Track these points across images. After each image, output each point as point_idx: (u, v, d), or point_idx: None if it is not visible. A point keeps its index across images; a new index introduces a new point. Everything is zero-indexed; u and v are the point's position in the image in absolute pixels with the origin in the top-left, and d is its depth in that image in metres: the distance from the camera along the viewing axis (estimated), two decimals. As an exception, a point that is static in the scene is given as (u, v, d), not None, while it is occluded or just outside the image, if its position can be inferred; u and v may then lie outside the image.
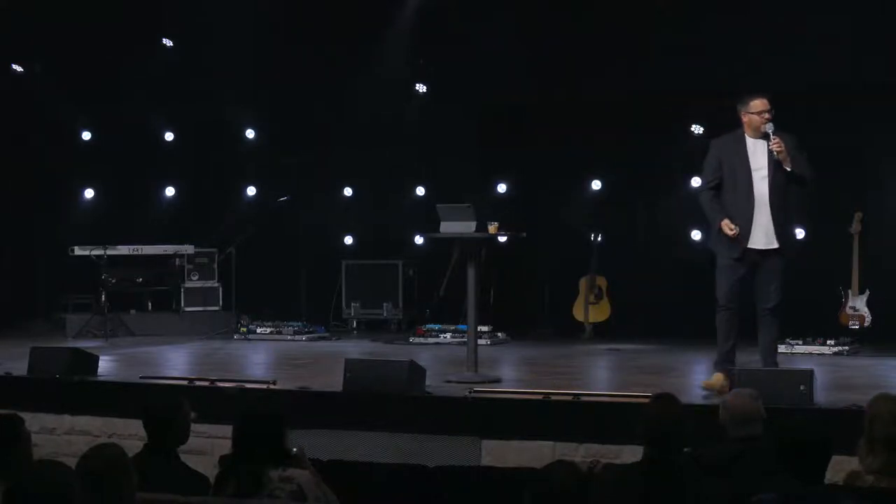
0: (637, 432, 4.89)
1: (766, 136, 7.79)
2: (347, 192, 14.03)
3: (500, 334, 11.96)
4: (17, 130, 13.34)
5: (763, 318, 7.95)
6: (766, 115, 7.81)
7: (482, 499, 5.67)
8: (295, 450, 5.18)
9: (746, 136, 7.91)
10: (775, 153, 7.71)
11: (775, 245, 7.78)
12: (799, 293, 11.16)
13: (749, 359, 9.69)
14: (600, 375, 10.09)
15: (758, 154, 7.83)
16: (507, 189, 13.25)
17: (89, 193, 14.24)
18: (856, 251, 11.16)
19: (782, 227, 7.81)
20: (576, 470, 4.25)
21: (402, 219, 13.44)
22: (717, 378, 7.96)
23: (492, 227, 8.48)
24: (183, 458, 5.39)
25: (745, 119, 7.92)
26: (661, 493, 4.63)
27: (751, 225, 7.78)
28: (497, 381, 8.61)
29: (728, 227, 7.77)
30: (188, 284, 13.48)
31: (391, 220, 13.59)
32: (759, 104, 7.84)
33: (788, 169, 7.72)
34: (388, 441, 7.39)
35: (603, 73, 11.68)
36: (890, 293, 11.00)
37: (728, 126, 11.77)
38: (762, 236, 7.80)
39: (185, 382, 8.39)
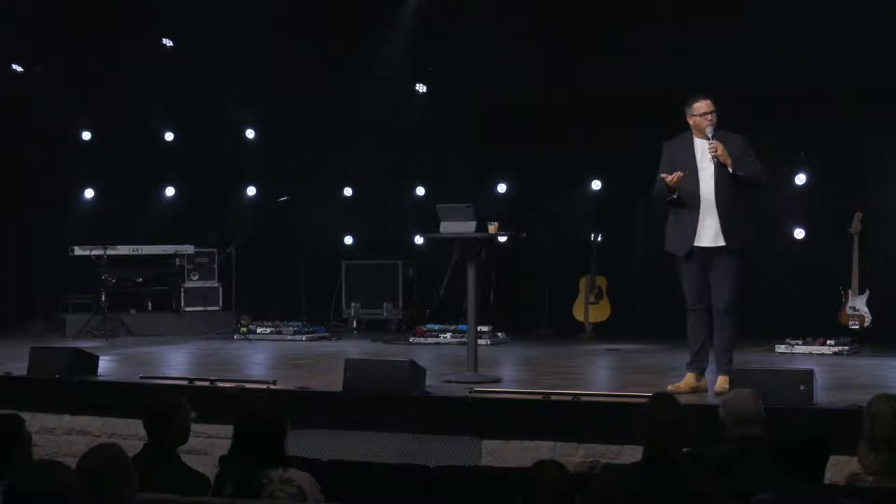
0: (636, 432, 4.89)
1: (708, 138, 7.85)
2: (347, 192, 14.04)
3: (500, 334, 11.96)
4: (17, 130, 13.35)
5: (715, 320, 7.95)
6: (709, 118, 7.84)
7: (482, 499, 5.67)
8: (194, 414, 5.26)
9: (694, 137, 7.96)
10: (711, 156, 7.77)
11: (722, 243, 7.82)
12: (799, 293, 11.25)
13: (747, 359, 9.71)
14: (600, 375, 10.09)
15: (704, 154, 7.85)
16: (507, 189, 13.25)
17: (89, 193, 14.26)
18: (856, 251, 11.16)
19: (729, 226, 7.80)
20: (565, 470, 4.28)
21: (402, 219, 13.44)
22: (687, 379, 8.01)
23: (492, 227, 8.47)
24: (183, 458, 5.39)
25: (690, 121, 7.98)
26: (660, 493, 4.63)
27: (697, 224, 7.85)
28: (497, 381, 8.60)
29: (666, 176, 7.83)
30: (188, 284, 13.49)
31: (391, 220, 13.60)
32: (702, 106, 7.88)
33: (731, 171, 7.75)
34: (388, 441, 7.39)
35: (603, 73, 11.68)
36: (890, 293, 11.00)
37: (728, 126, 11.83)
38: (709, 235, 7.84)
39: (185, 382, 8.39)
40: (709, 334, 8.01)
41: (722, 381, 7.77)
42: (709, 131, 7.80)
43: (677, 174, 7.78)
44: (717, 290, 7.86)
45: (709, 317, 7.99)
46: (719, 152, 7.72)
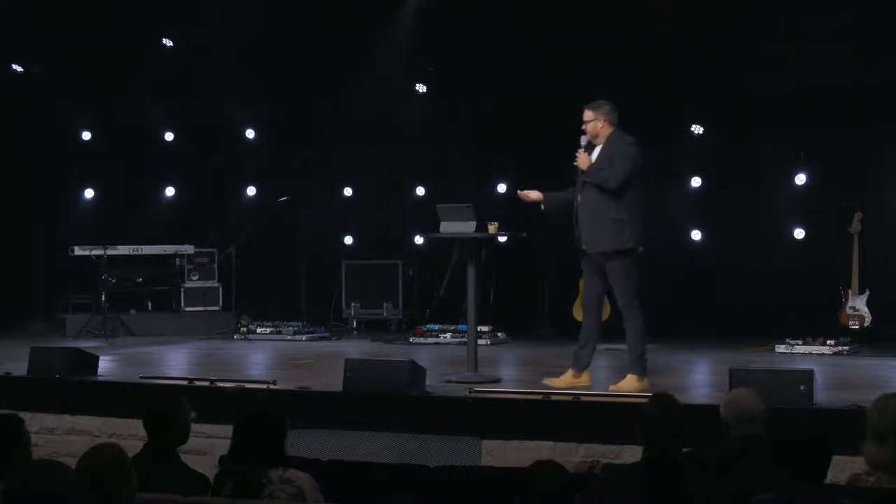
0: (636, 432, 4.89)
1: (589, 145, 8.23)
2: (347, 192, 14.04)
3: (500, 334, 11.96)
4: (17, 130, 13.34)
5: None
6: (583, 127, 8.21)
7: (482, 499, 5.67)
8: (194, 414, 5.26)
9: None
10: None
11: (584, 247, 8.15)
12: (799, 293, 11.25)
13: (747, 359, 9.72)
14: (600, 375, 10.07)
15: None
16: (507, 189, 13.24)
17: (89, 193, 14.26)
18: (856, 251, 11.16)
19: (587, 230, 8.14)
20: (564, 470, 4.28)
21: (402, 219, 13.44)
22: (566, 375, 8.30)
23: (492, 227, 8.49)
24: (183, 458, 5.39)
25: None
26: (660, 493, 4.63)
27: (576, 227, 8.22)
28: (497, 381, 8.61)
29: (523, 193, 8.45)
30: (188, 284, 13.49)
31: (391, 220, 13.59)
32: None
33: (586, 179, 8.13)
34: (388, 441, 7.39)
35: (603, 73, 11.67)
36: (890, 293, 11.00)
37: (729, 125, 11.84)
38: (582, 238, 8.18)
39: (185, 382, 8.39)
40: (593, 335, 8.34)
41: (629, 380, 8.02)
42: (582, 140, 8.21)
43: (525, 193, 8.47)
44: (615, 293, 8.18)
45: (598, 317, 8.39)
46: (577, 161, 8.16)
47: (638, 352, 8.11)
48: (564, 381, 8.19)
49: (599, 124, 8.15)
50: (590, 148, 8.21)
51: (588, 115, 8.18)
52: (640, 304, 8.15)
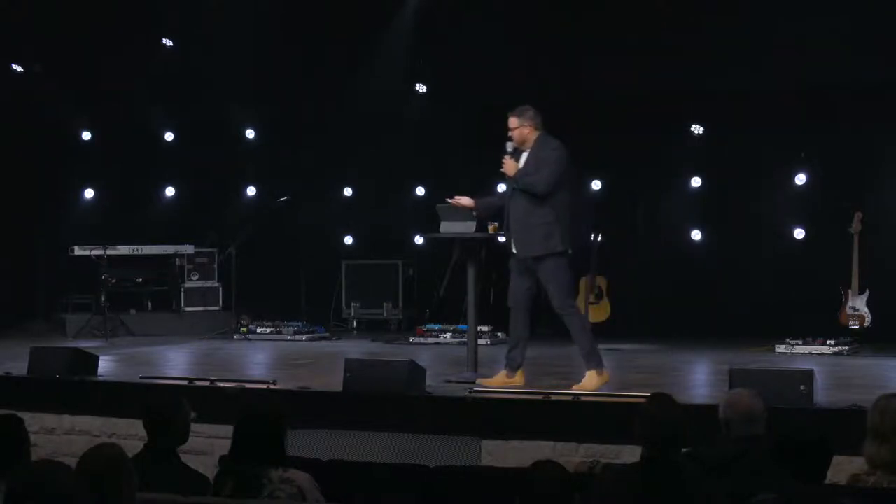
0: (636, 432, 4.89)
1: (516, 151, 8.28)
2: (347, 192, 14.03)
3: (500, 334, 11.93)
4: (17, 130, 13.34)
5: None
6: (509, 133, 8.25)
7: (482, 499, 5.67)
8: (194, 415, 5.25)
9: None
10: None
11: (514, 250, 8.20)
12: (799, 293, 11.25)
13: (747, 359, 9.72)
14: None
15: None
16: (508, 189, 13.23)
17: (89, 193, 14.25)
18: (856, 251, 11.15)
19: (516, 236, 8.18)
20: (564, 470, 4.29)
21: (402, 219, 13.44)
22: (498, 375, 8.31)
23: (492, 227, 8.50)
24: (183, 458, 5.39)
25: None
26: (660, 493, 4.63)
27: (507, 231, 8.28)
28: (497, 381, 8.61)
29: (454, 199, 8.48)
30: (188, 284, 13.49)
31: (391, 220, 13.58)
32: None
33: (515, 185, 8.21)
34: (388, 441, 7.40)
35: (603, 73, 11.68)
36: (890, 293, 10.99)
37: (729, 125, 11.83)
38: (513, 242, 8.23)
39: (185, 382, 8.39)
40: (523, 335, 8.29)
41: (589, 378, 8.06)
42: (508, 146, 8.25)
43: (456, 199, 8.46)
44: (549, 295, 8.22)
45: (524, 317, 8.28)
46: (504, 167, 8.21)
47: (587, 348, 8.18)
48: (498, 381, 8.24)
49: (525, 130, 8.23)
50: (517, 154, 8.25)
51: (513, 121, 8.26)
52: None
